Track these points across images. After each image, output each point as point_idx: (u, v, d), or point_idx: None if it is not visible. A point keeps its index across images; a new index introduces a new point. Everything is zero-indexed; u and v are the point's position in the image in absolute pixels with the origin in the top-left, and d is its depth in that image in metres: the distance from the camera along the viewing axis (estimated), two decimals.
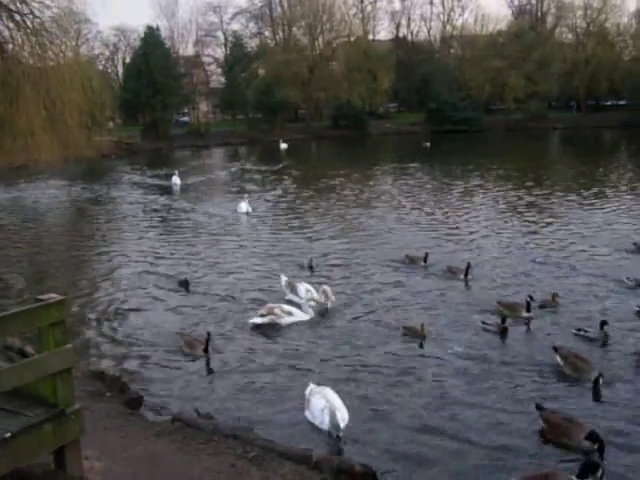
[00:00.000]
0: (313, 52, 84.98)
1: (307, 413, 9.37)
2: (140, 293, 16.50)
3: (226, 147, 74.04)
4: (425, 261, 17.68)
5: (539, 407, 9.04)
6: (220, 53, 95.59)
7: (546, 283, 15.64)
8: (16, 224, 28.96)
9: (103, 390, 10.12)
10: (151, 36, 76.66)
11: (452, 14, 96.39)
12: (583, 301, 14.46)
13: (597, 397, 9.86)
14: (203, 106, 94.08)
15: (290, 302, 14.59)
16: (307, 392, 9.64)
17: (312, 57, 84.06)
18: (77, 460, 5.94)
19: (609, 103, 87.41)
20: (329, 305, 14.36)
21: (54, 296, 5.79)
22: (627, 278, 15.30)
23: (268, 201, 31.60)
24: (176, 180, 39.19)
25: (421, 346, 12.22)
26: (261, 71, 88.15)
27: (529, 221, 24.02)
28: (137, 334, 13.45)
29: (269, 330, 13.39)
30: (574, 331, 12.41)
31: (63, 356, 5.76)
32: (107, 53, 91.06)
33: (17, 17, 22.41)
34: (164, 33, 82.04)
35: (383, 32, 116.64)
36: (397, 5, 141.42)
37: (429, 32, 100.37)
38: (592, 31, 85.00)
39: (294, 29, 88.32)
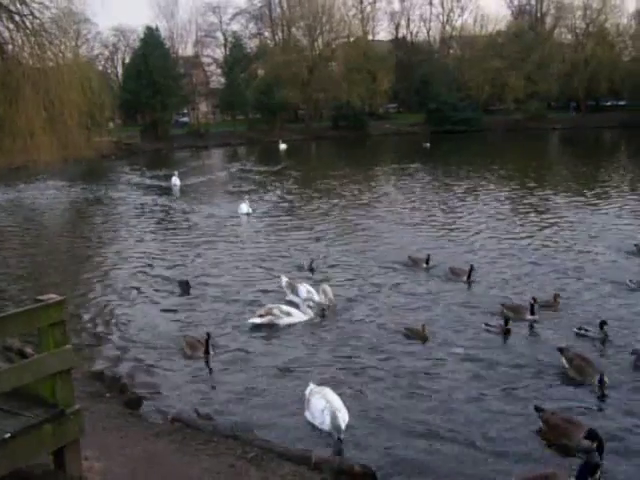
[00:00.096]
0: (312, 53, 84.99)
1: (307, 414, 9.36)
2: (140, 294, 16.49)
3: (226, 148, 74.05)
4: (427, 263, 17.61)
5: (538, 409, 9.04)
6: (220, 54, 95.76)
7: (548, 284, 15.57)
8: (15, 225, 28.94)
9: (103, 391, 10.13)
10: (150, 36, 76.69)
11: (451, 15, 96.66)
12: (585, 302, 14.43)
13: (602, 398, 9.84)
14: (203, 107, 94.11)
15: (291, 303, 14.58)
16: (307, 392, 9.64)
17: (311, 58, 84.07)
18: (76, 460, 5.95)
19: (609, 103, 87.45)
20: (328, 304, 14.36)
21: (53, 296, 5.80)
22: (630, 280, 15.24)
23: (268, 202, 31.56)
24: (176, 181, 39.17)
25: (423, 347, 12.20)
26: (260, 72, 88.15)
27: (530, 222, 23.98)
28: (137, 335, 13.44)
29: (269, 331, 13.39)
30: (575, 330, 12.45)
31: (63, 357, 5.76)
32: (106, 53, 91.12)
33: (17, 18, 22.45)
34: (164, 33, 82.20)
35: (382, 33, 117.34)
36: (396, 6, 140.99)
37: (428, 33, 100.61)
38: (592, 31, 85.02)
39: (293, 30, 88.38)
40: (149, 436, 8.23)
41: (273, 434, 8.83)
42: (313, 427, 9.17)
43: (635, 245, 18.54)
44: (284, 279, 15.60)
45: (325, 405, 9.06)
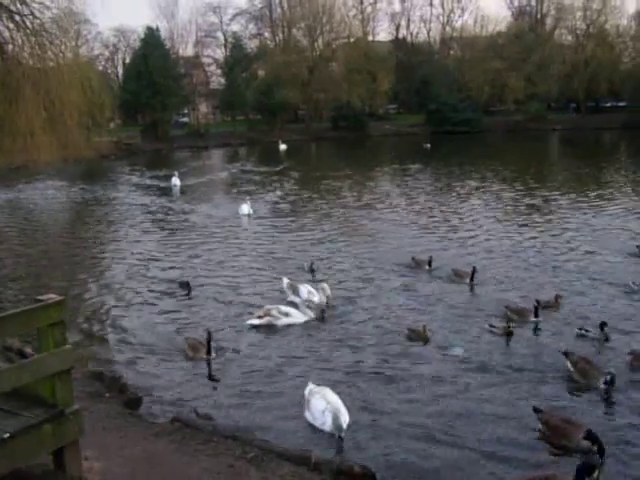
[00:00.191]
0: (313, 53, 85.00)
1: (307, 414, 9.36)
2: (140, 295, 16.49)
3: (226, 148, 74.05)
4: (430, 265, 17.54)
5: (537, 409, 9.04)
6: (220, 54, 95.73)
7: (550, 286, 15.53)
8: (14, 225, 28.90)
9: (102, 391, 10.13)
10: (151, 37, 76.69)
11: (452, 15, 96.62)
12: (587, 303, 14.42)
13: (607, 399, 9.84)
14: (203, 107, 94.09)
15: (292, 304, 14.56)
16: (306, 392, 9.64)
17: (312, 58, 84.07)
18: (76, 460, 5.94)
19: (609, 105, 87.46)
20: (327, 302, 14.35)
21: (53, 297, 5.79)
22: (633, 282, 15.20)
23: (269, 202, 31.56)
24: (176, 181, 39.13)
25: (423, 349, 12.19)
26: (261, 72, 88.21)
27: (532, 223, 23.99)
28: (136, 335, 13.45)
29: (268, 331, 13.40)
30: (577, 331, 12.47)
31: (62, 357, 5.76)
32: (107, 54, 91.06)
33: (17, 18, 22.42)
34: (164, 34, 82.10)
35: (383, 33, 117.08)
36: (397, 6, 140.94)
37: (429, 33, 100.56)
38: (592, 33, 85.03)
39: (294, 30, 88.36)
40: (149, 436, 8.23)
41: (272, 434, 8.84)
42: (313, 428, 9.17)
43: (637, 247, 18.51)
44: (285, 281, 15.59)
45: (326, 406, 9.06)
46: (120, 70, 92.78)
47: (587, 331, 12.34)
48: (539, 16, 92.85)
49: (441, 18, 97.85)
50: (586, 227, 22.72)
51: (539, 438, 8.76)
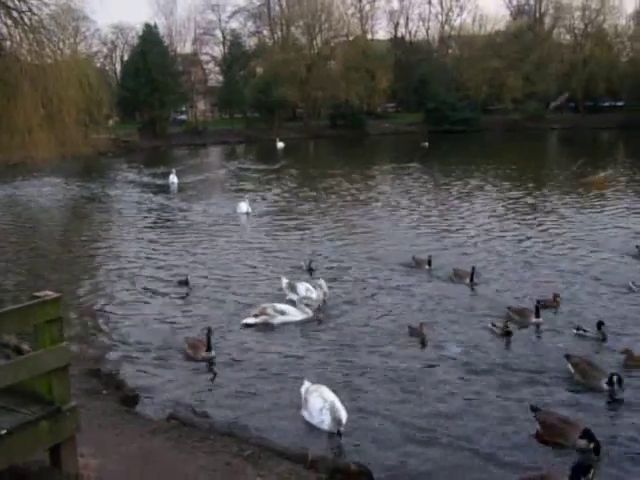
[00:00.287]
0: (311, 51, 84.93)
1: (305, 413, 9.35)
2: (137, 292, 16.47)
3: (224, 146, 74.00)
4: (429, 264, 17.45)
5: (534, 408, 9.06)
6: (218, 51, 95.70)
7: (550, 286, 15.40)
8: (10, 222, 28.77)
9: (99, 388, 10.13)
10: (149, 34, 76.56)
11: (450, 14, 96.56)
12: (586, 304, 14.36)
13: (612, 400, 9.78)
14: (201, 104, 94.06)
15: (291, 302, 14.53)
16: (303, 390, 9.63)
17: (310, 56, 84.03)
18: (72, 457, 5.94)
19: (607, 104, 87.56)
20: (323, 298, 14.34)
21: (50, 293, 5.79)
22: (633, 283, 15.14)
23: (267, 201, 31.50)
24: (173, 179, 38.98)
25: (421, 348, 12.16)
26: (259, 70, 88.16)
27: (531, 223, 23.96)
28: (133, 333, 13.42)
29: (265, 330, 13.39)
30: (573, 330, 12.48)
31: (59, 354, 5.76)
32: (105, 51, 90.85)
33: (15, 14, 22.43)
34: (162, 31, 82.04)
35: (381, 32, 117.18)
36: (395, 5, 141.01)
37: (427, 32, 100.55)
38: (590, 32, 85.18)
39: (292, 28, 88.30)
40: (145, 433, 8.23)
41: (269, 432, 8.83)
42: (310, 426, 9.17)
43: (637, 247, 18.44)
44: (284, 281, 15.53)
45: (323, 404, 9.06)
46: (118, 67, 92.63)
47: (585, 331, 12.34)
48: (538, 15, 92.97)
49: (440, 17, 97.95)
50: (585, 227, 22.71)
51: (536, 437, 8.77)
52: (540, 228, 22.90)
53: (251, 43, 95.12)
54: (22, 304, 5.80)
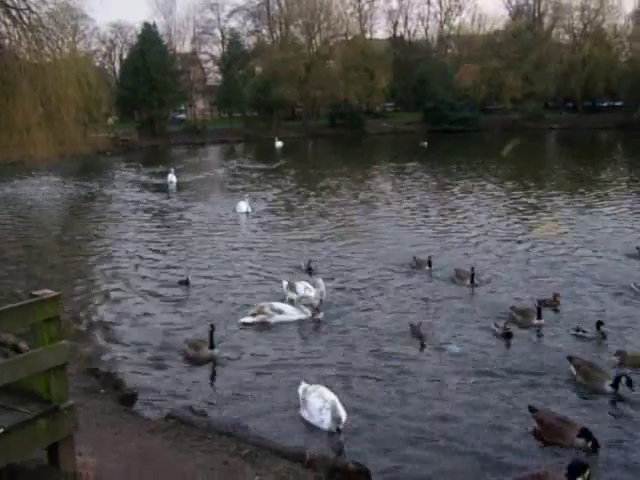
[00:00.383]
0: (310, 50, 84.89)
1: (304, 413, 9.35)
2: (135, 291, 16.45)
3: (222, 145, 73.97)
4: (430, 265, 17.36)
5: (532, 409, 9.07)
6: (217, 51, 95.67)
7: (551, 286, 15.33)
8: (8, 221, 28.66)
9: (97, 387, 10.13)
10: (148, 33, 76.49)
11: (449, 14, 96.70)
12: (587, 305, 14.34)
13: (617, 400, 9.74)
14: (200, 103, 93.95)
15: (291, 302, 14.49)
16: (300, 391, 9.64)
17: (309, 55, 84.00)
18: (70, 456, 5.93)
19: (605, 104, 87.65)
20: (320, 297, 14.32)
21: (48, 292, 5.78)
22: (634, 284, 15.07)
23: (266, 200, 31.43)
24: (172, 178, 38.87)
25: (420, 348, 12.14)
26: (258, 69, 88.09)
27: (531, 223, 23.92)
28: (132, 332, 13.42)
29: (264, 329, 13.38)
30: (572, 331, 12.47)
31: (57, 352, 5.75)
32: (104, 49, 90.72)
33: (14, 12, 22.42)
34: (161, 30, 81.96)
35: (380, 31, 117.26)
36: (394, 4, 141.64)
37: (426, 31, 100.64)
38: (589, 32, 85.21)
39: (291, 27, 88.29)
40: (143, 432, 8.23)
41: (267, 432, 8.84)
42: (307, 425, 9.18)
43: (637, 248, 18.39)
44: (285, 283, 15.45)
45: (323, 404, 9.07)
46: (117, 66, 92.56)
47: (584, 332, 12.33)
48: (537, 15, 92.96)
49: (439, 16, 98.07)
50: (585, 227, 22.68)
51: (534, 435, 8.77)
52: (540, 228, 22.82)
53: (250, 42, 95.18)
54: (21, 302, 5.79)
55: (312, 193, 33.48)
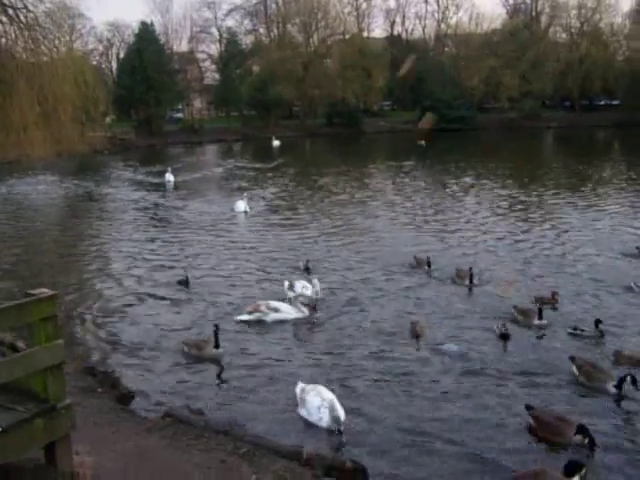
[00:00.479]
0: (308, 49, 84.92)
1: (303, 411, 9.35)
2: (132, 291, 16.42)
3: (220, 144, 73.91)
4: (429, 265, 17.25)
5: (529, 407, 9.08)
6: (214, 50, 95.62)
7: (550, 286, 15.23)
8: (4, 220, 28.62)
9: (94, 386, 10.13)
10: (145, 32, 76.46)
11: (447, 12, 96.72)
12: (586, 304, 14.30)
13: (620, 400, 9.72)
14: (197, 102, 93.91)
15: (289, 301, 14.47)
16: (298, 391, 9.64)
17: (307, 54, 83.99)
18: (68, 455, 5.94)
19: (602, 103, 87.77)
20: (316, 296, 14.31)
21: (45, 291, 5.78)
22: (635, 284, 15.03)
23: (265, 199, 31.38)
24: (169, 177, 38.85)
25: (417, 347, 12.12)
26: (255, 68, 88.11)
27: (530, 222, 23.91)
28: (129, 331, 13.42)
29: (262, 329, 13.38)
30: (570, 330, 12.48)
31: (54, 351, 5.75)
32: (101, 48, 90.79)
33: (10, 11, 22.37)
34: (158, 29, 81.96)
35: (378, 30, 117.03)
36: (392, 3, 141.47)
37: (424, 30, 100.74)
38: (586, 31, 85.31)
39: (289, 26, 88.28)
40: (140, 431, 8.23)
41: (264, 430, 8.84)
42: (304, 424, 9.18)
43: (637, 247, 18.35)
44: (286, 283, 15.38)
45: (321, 402, 9.08)
46: (114, 65, 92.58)
47: (582, 330, 12.34)
48: (534, 14, 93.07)
49: (436, 15, 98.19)
50: (584, 227, 22.67)
51: (531, 435, 8.79)
52: (539, 227, 22.85)
53: (247, 41, 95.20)
54: (17, 301, 5.79)
55: (310, 192, 33.46)
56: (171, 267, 18.66)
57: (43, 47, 23.91)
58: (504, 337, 12.29)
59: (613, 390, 9.81)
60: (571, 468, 7.26)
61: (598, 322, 12.24)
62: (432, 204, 28.73)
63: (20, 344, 10.09)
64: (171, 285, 16.65)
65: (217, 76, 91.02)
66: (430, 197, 30.72)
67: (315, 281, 14.66)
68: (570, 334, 12.39)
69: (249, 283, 16.91)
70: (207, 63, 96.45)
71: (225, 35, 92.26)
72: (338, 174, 40.38)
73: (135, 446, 7.66)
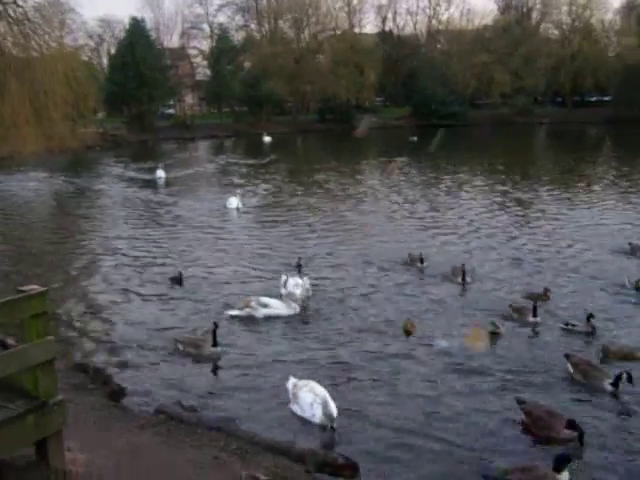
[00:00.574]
0: (299, 45, 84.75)
1: (295, 407, 9.37)
2: (123, 288, 16.34)
3: (212, 140, 73.68)
4: (422, 262, 17.23)
5: (520, 401, 9.11)
6: (206, 45, 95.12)
7: (543, 283, 15.23)
8: None
9: (87, 382, 10.12)
10: (136, 27, 76.11)
11: (438, 8, 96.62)
12: (579, 300, 14.34)
13: (616, 398, 9.74)
14: (189, 98, 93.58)
15: (281, 297, 14.45)
16: (290, 386, 9.65)
17: (298, 50, 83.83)
18: (59, 452, 5.92)
19: (594, 99, 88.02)
20: (307, 294, 14.30)
21: (36, 287, 5.77)
22: (628, 280, 15.06)
23: (257, 195, 31.29)
24: (160, 173, 38.64)
25: (409, 344, 12.11)
26: (247, 64, 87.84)
27: (522, 218, 23.96)
28: (121, 328, 13.38)
29: (253, 324, 13.38)
30: (562, 325, 12.52)
31: (45, 348, 5.73)
32: (92, 44, 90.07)
33: None
34: (149, 25, 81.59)
35: (369, 26, 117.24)
36: None
37: (415, 26, 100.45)
38: (577, 27, 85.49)
39: (280, 22, 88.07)
40: (133, 428, 8.22)
41: (256, 426, 8.84)
42: (297, 420, 9.20)
43: (629, 244, 18.46)
44: (283, 277, 15.36)
45: (314, 398, 9.08)
46: (105, 61, 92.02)
47: (574, 325, 12.40)
48: (525, 10, 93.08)
49: (428, 11, 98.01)
50: (576, 223, 22.75)
51: (522, 429, 8.82)
52: (532, 224, 22.89)
53: (239, 37, 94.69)
54: (8, 298, 5.77)
55: (303, 188, 33.39)
56: (163, 264, 18.60)
57: (33, 42, 23.81)
58: (494, 334, 12.29)
59: (610, 388, 9.83)
60: (560, 462, 7.29)
61: (590, 316, 12.29)
62: (425, 200, 28.72)
63: (10, 341, 10.07)
64: (163, 282, 16.60)
65: (209, 72, 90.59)
66: (423, 193, 30.70)
67: (305, 280, 14.62)
68: (562, 329, 12.44)
69: (241, 279, 16.88)
70: (199, 59, 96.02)
71: (216, 31, 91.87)
72: (331, 170, 40.31)
73: (127, 443, 7.65)
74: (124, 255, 19.98)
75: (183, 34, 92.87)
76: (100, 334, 13.09)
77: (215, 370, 11.25)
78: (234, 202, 27.57)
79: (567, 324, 12.49)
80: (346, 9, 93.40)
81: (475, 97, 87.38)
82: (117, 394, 9.80)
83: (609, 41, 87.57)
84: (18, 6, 22.55)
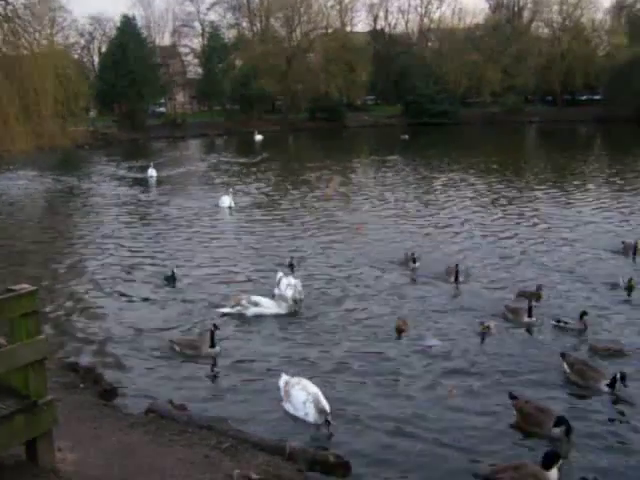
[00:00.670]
0: (291, 44, 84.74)
1: (287, 406, 9.35)
2: (114, 287, 16.26)
3: (203, 138, 73.60)
4: (414, 262, 17.14)
5: (512, 396, 9.14)
6: (197, 43, 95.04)
7: (536, 281, 15.24)
8: None
9: (77, 381, 10.07)
10: (127, 25, 75.95)
11: (429, 7, 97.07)
12: (570, 297, 14.41)
13: (613, 397, 9.71)
14: (180, 97, 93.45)
15: (274, 296, 14.41)
16: (281, 384, 9.63)
17: (290, 49, 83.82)
18: (49, 451, 5.92)
19: (584, 98, 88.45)
20: (299, 297, 14.27)
21: (26, 286, 5.74)
22: (622, 279, 15.03)
23: (249, 194, 31.17)
24: (152, 172, 38.46)
25: (401, 344, 12.10)
26: (238, 62, 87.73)
27: (514, 217, 23.94)
28: (111, 327, 13.33)
29: (244, 323, 13.36)
30: (554, 322, 12.56)
31: (35, 347, 5.72)
32: (82, 42, 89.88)
33: None
34: (140, 23, 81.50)
35: (361, 24, 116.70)
36: None
37: (407, 25, 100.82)
38: (568, 26, 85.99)
39: (272, 20, 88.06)
40: (123, 427, 8.20)
41: (247, 425, 8.82)
42: (287, 418, 9.19)
43: (622, 242, 18.46)
44: (280, 274, 15.30)
45: (307, 397, 9.07)
46: (96, 59, 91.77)
47: (566, 323, 12.43)
48: (516, 9, 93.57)
49: (419, 9, 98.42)
50: (569, 221, 22.78)
51: (514, 426, 8.85)
52: (526, 223, 22.83)
53: (230, 35, 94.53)
54: None
55: (295, 187, 33.34)
56: (154, 264, 18.53)
57: (23, 40, 23.71)
58: (484, 336, 12.30)
59: (606, 389, 9.84)
60: (549, 459, 7.32)
61: (584, 314, 12.30)
62: (417, 199, 28.75)
63: (1, 340, 10.03)
64: (155, 281, 16.56)
65: (200, 70, 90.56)
66: (414, 192, 30.73)
67: (297, 281, 14.56)
68: (554, 326, 12.48)
69: (234, 279, 16.83)
70: (190, 57, 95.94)
71: (207, 29, 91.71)
72: (322, 169, 40.30)
73: (118, 442, 7.63)
74: (115, 254, 19.90)
75: (174, 32, 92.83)
76: (90, 333, 13.04)
77: (207, 369, 11.22)
78: (226, 201, 27.45)
79: (559, 321, 12.52)
80: (337, 7, 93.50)
81: (466, 96, 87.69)
82: (108, 393, 9.77)
83: (599, 40, 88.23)
84: (8, 3, 22.45)
